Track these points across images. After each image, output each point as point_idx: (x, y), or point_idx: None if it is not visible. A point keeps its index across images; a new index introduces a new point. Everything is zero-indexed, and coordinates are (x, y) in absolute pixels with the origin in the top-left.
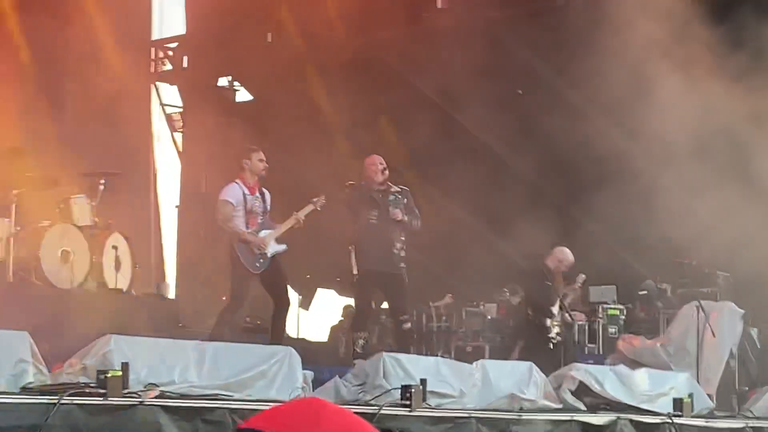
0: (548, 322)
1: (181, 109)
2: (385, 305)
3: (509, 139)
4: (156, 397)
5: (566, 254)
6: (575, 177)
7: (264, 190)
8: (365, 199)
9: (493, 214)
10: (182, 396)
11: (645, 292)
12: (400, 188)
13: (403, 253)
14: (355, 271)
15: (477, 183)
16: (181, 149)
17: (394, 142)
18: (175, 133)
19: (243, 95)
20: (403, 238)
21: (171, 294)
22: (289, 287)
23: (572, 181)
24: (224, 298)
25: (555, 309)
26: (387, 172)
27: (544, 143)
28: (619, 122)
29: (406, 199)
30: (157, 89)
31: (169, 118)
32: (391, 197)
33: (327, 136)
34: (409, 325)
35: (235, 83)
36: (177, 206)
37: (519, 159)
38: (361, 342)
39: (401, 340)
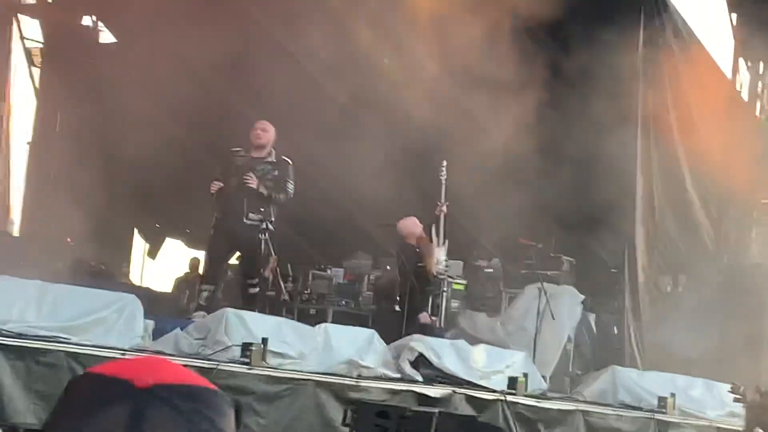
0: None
1: (41, 45)
2: (235, 262)
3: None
4: None
5: (416, 223)
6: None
7: None
8: (230, 165)
9: (347, 180)
10: (19, 335)
11: (491, 270)
12: (278, 159)
13: (264, 225)
14: (212, 226)
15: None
16: (38, 85)
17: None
18: (33, 69)
19: (107, 36)
20: (263, 209)
21: (15, 231)
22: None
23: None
24: (69, 240)
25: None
26: (265, 137)
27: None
28: None
29: (277, 171)
30: (18, 21)
31: (28, 52)
32: (260, 167)
33: (191, 82)
34: (256, 290)
35: (100, 23)
36: (29, 143)
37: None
38: (205, 294)
39: (247, 303)
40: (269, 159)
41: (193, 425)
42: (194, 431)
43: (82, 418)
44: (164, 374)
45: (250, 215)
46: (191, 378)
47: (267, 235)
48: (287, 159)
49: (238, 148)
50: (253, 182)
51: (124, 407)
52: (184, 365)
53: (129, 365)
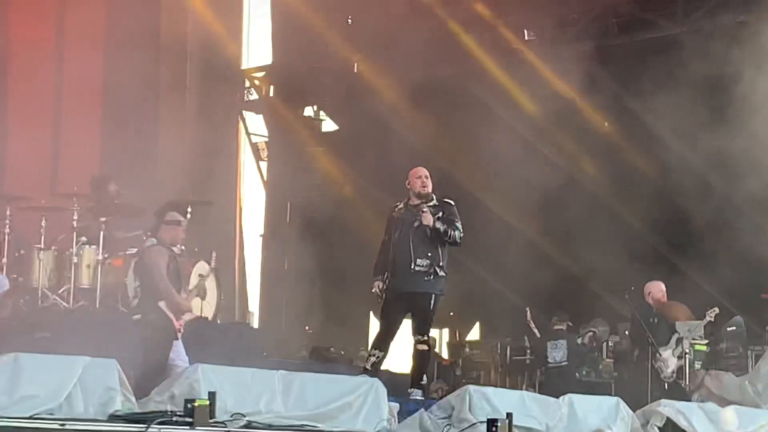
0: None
1: (266, 139)
2: (470, 337)
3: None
4: (242, 427)
5: (660, 287)
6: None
7: None
8: (390, 222)
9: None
10: (269, 426)
11: (734, 328)
12: (440, 201)
13: (432, 270)
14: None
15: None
16: (266, 178)
17: (474, 168)
18: (260, 162)
19: (329, 125)
20: (430, 254)
21: (255, 323)
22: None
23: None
24: (307, 328)
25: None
26: (429, 183)
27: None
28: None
29: (442, 212)
30: (243, 118)
31: (254, 147)
32: (424, 210)
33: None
34: (424, 346)
35: (321, 113)
36: (261, 235)
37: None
38: (372, 359)
39: (417, 360)
40: (431, 203)
41: None
42: None
43: None
44: None
45: (418, 261)
46: None
47: (439, 288)
48: (449, 200)
49: (396, 203)
50: (427, 218)
51: None
52: None
53: None
